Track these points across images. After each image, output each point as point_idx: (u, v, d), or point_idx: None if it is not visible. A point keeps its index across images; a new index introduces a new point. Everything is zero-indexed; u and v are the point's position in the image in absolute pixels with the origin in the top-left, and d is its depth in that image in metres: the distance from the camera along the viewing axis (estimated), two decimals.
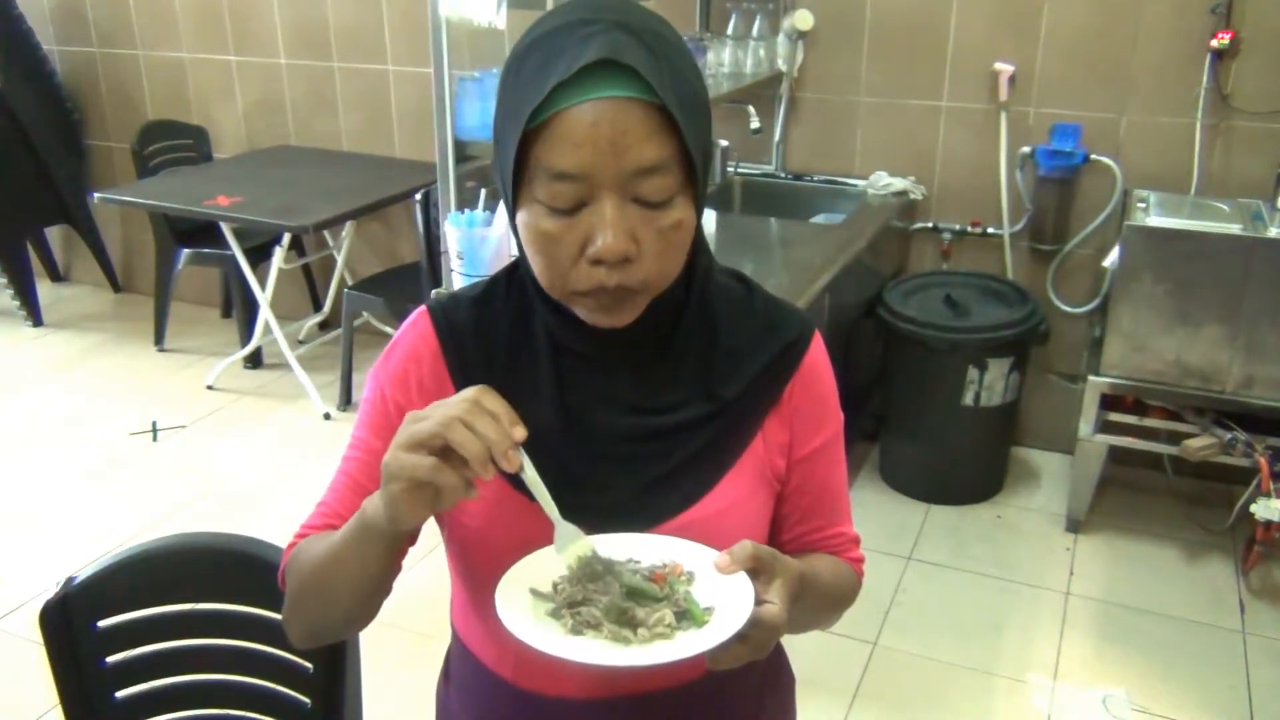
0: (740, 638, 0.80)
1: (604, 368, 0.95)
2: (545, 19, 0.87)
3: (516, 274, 0.99)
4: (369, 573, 0.91)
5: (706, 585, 0.85)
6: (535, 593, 0.86)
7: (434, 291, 2.27)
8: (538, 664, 1.01)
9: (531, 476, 0.85)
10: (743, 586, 0.81)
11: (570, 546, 0.88)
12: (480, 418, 0.80)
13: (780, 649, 1.18)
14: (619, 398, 0.95)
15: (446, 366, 0.98)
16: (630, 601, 0.84)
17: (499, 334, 0.98)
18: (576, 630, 0.83)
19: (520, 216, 0.87)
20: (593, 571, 0.87)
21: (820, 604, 0.98)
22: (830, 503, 1.05)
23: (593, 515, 0.90)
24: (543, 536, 0.90)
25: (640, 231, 0.84)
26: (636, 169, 0.82)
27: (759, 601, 0.81)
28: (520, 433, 0.82)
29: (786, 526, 1.04)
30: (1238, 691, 2.47)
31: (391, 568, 0.93)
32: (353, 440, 1.01)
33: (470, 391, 0.83)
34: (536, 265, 0.89)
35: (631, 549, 0.89)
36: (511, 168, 0.85)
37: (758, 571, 0.83)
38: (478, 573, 0.99)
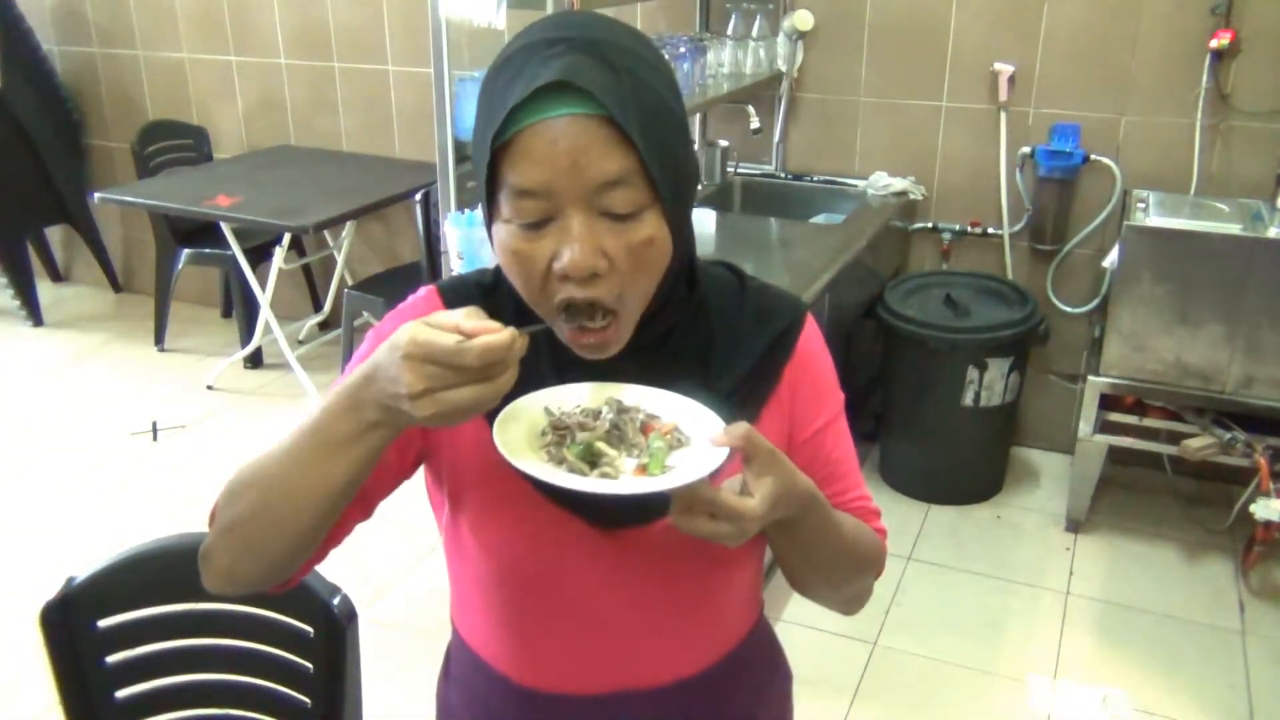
0: (709, 514, 0.81)
1: (603, 362, 0.96)
2: (518, 36, 0.88)
3: None
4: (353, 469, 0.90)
5: (691, 452, 0.87)
6: (546, 410, 0.90)
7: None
8: (537, 660, 1.02)
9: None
10: (716, 458, 0.83)
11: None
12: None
13: (778, 646, 1.19)
14: None
15: None
16: (602, 443, 0.87)
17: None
18: (546, 450, 0.87)
19: (494, 233, 0.89)
20: (596, 409, 0.90)
21: (838, 548, 0.97)
22: (844, 474, 1.05)
23: (590, 506, 0.92)
24: (543, 510, 0.93)
25: (610, 246, 0.85)
26: (599, 183, 0.82)
27: (743, 492, 0.83)
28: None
29: None
30: (1238, 691, 2.48)
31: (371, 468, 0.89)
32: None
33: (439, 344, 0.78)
34: (514, 282, 0.90)
35: (650, 402, 0.91)
36: (484, 186, 0.87)
37: (750, 459, 0.83)
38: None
